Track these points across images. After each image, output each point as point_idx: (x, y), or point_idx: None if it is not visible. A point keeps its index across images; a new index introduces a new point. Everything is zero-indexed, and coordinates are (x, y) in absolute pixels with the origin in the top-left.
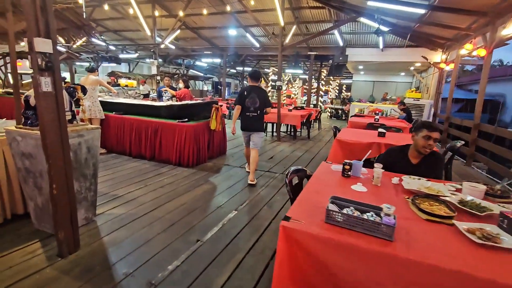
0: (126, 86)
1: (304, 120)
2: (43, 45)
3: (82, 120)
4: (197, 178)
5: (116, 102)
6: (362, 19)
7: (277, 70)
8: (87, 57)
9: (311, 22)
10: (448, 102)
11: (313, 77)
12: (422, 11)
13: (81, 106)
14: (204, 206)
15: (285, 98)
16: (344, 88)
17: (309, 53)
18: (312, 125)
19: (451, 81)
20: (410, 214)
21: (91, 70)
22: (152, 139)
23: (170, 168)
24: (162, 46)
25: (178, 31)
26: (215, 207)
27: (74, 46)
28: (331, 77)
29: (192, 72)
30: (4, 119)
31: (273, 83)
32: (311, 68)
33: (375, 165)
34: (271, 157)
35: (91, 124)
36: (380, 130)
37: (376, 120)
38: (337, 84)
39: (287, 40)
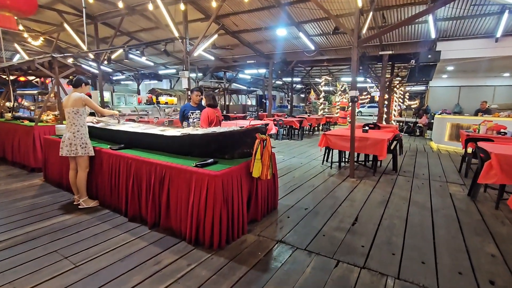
0: (166, 103)
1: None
2: None
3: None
4: None
5: (109, 129)
6: None
7: (330, 79)
8: (129, 75)
9: (392, 7)
10: None
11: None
12: None
13: (62, 140)
14: None
15: (338, 110)
16: (407, 97)
17: (380, 53)
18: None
19: None
20: None
21: (76, 84)
22: (156, 193)
23: (180, 253)
24: (196, 53)
25: (216, 36)
26: None
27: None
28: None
29: (234, 85)
30: None
31: (326, 95)
32: (384, 73)
33: None
34: (354, 222)
35: (76, 164)
36: None
37: None
38: (402, 92)
39: (364, 30)
